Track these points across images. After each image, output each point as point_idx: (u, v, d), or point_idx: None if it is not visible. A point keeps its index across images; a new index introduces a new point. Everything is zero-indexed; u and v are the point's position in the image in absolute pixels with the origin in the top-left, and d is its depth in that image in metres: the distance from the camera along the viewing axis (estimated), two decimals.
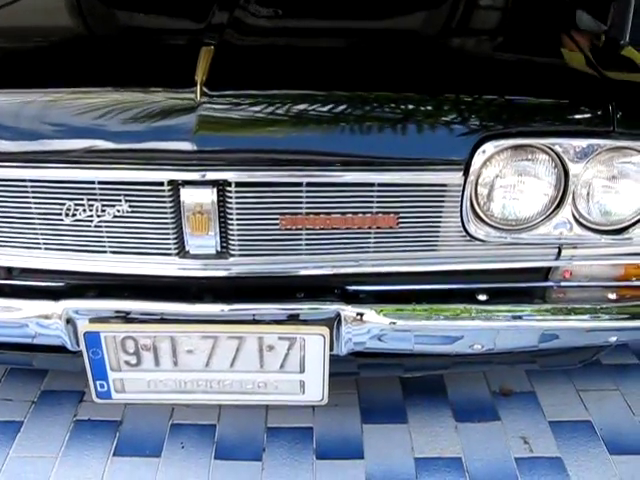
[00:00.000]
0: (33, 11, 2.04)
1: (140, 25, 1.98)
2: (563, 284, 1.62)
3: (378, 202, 1.45)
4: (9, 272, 1.59)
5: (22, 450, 1.93)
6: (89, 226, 1.46)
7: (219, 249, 1.48)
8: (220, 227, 1.46)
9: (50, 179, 1.42)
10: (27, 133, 1.41)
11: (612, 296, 1.60)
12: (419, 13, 2.03)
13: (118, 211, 1.44)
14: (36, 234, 1.49)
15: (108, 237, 1.48)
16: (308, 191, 1.43)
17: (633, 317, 1.58)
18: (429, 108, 1.44)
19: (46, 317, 1.51)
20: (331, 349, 1.55)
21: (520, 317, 1.56)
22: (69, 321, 1.52)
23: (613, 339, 1.64)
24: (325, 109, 1.43)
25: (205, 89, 1.41)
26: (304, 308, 1.51)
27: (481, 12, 2.16)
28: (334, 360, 1.57)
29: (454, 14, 2.05)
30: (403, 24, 1.96)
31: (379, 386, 2.14)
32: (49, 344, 1.60)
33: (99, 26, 2.05)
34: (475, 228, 1.49)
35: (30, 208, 1.46)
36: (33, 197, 1.44)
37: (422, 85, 1.50)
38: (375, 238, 1.49)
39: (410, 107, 1.44)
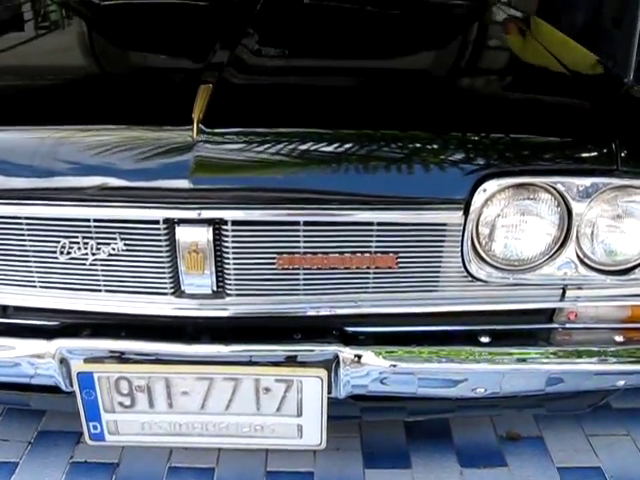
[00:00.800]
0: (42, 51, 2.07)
1: (140, 64, 1.99)
2: (568, 326, 1.58)
3: (377, 242, 1.42)
4: (4, 310, 1.57)
5: None
6: (84, 264, 1.44)
7: (215, 289, 1.46)
8: (216, 266, 1.43)
9: (45, 217, 1.41)
10: (22, 171, 1.40)
11: (619, 338, 1.56)
12: (421, 53, 2.03)
13: (113, 249, 1.42)
14: (31, 272, 1.48)
15: (103, 276, 1.46)
16: (306, 230, 1.40)
17: None
18: (428, 146, 1.42)
19: (39, 357, 1.49)
20: (329, 392, 1.51)
21: (524, 360, 1.52)
22: (62, 361, 1.49)
23: (621, 383, 1.59)
24: (323, 147, 1.41)
25: (202, 127, 1.40)
26: (301, 350, 1.48)
27: (484, 52, 2.15)
28: (333, 403, 1.53)
29: (456, 54, 2.05)
30: (404, 64, 1.96)
31: (382, 430, 2.09)
32: (43, 384, 1.57)
33: (96, 66, 2.06)
34: (477, 268, 1.46)
35: (25, 246, 1.44)
36: (28, 235, 1.43)
37: (421, 123, 1.48)
38: (374, 278, 1.46)
39: (409, 145, 1.42)
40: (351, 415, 1.75)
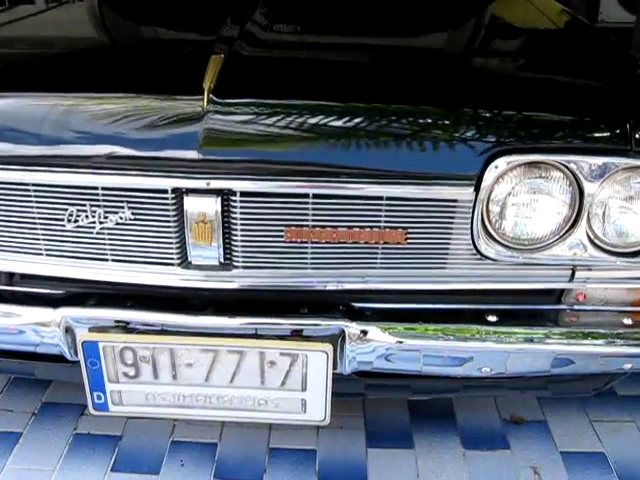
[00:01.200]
0: (52, 23, 2.06)
1: (151, 37, 1.98)
2: (576, 307, 1.57)
3: (386, 217, 1.41)
4: (10, 278, 1.57)
5: (20, 462, 1.89)
6: (91, 233, 1.44)
7: (222, 260, 1.45)
8: (224, 238, 1.42)
9: (53, 183, 1.40)
10: (32, 136, 1.39)
11: (627, 321, 1.54)
12: (433, 30, 2.01)
13: (121, 218, 1.41)
14: (38, 239, 1.47)
15: (110, 245, 1.45)
16: (314, 203, 1.39)
17: None
18: (440, 121, 1.41)
19: (44, 325, 1.49)
20: (335, 367, 1.50)
21: (531, 340, 1.50)
22: (68, 330, 1.49)
23: (628, 366, 1.57)
24: (334, 120, 1.40)
25: (213, 97, 1.38)
26: (307, 324, 1.47)
27: (498, 31, 2.13)
28: (338, 379, 1.52)
29: (470, 33, 2.03)
30: (416, 41, 1.94)
31: (386, 409, 2.09)
32: (48, 353, 1.57)
33: (109, 37, 2.05)
34: (486, 246, 1.44)
35: (32, 213, 1.44)
36: (36, 201, 1.42)
37: (434, 98, 1.47)
38: (382, 254, 1.45)
39: (421, 120, 1.41)
40: (355, 392, 1.74)
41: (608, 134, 1.42)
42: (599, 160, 1.39)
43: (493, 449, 1.98)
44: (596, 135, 1.43)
